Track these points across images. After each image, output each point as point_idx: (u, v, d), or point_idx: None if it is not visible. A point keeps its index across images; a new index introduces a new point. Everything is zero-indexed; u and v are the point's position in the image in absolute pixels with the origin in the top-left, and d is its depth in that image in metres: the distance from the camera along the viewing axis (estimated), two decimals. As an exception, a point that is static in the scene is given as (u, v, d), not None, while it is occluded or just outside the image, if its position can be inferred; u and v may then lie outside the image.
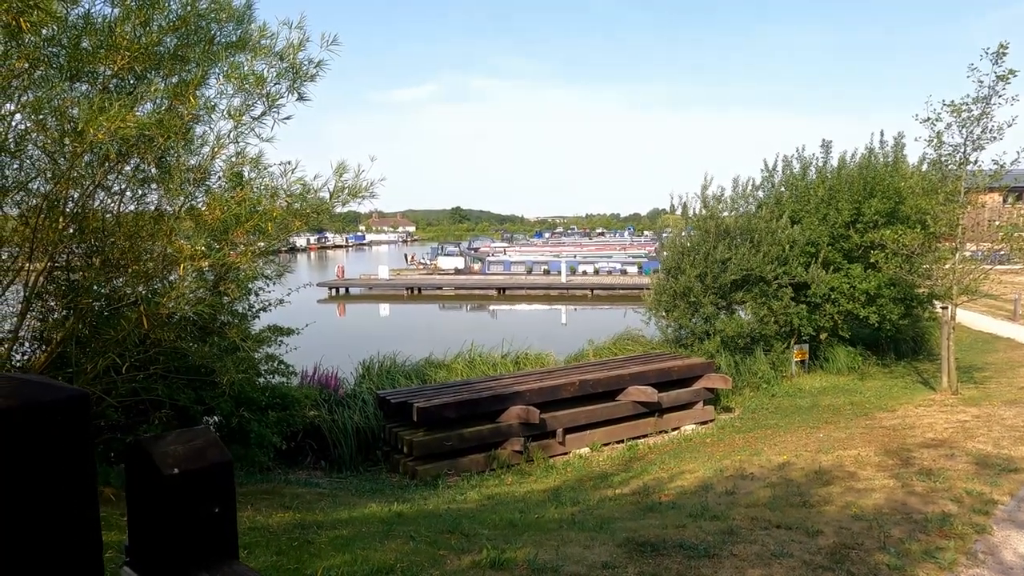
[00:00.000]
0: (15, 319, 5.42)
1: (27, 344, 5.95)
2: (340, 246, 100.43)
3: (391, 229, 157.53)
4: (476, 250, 66.27)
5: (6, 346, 5.41)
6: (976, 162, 11.03)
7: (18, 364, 5.68)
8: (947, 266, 11.60)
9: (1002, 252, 12.65)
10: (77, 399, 0.78)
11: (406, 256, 64.88)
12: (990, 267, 11.59)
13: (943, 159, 11.23)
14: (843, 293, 14.34)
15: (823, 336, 15.20)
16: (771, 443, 9.14)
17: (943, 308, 11.84)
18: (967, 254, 12.06)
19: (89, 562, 0.78)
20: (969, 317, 20.50)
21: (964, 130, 10.74)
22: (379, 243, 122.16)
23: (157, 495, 0.87)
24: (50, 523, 0.74)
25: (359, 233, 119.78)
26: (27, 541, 0.73)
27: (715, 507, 5.91)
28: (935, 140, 10.98)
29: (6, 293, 5.24)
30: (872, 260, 12.87)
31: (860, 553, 4.59)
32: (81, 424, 0.78)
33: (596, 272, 48.07)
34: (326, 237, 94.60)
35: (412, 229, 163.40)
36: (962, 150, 10.92)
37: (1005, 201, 16.09)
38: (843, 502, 5.85)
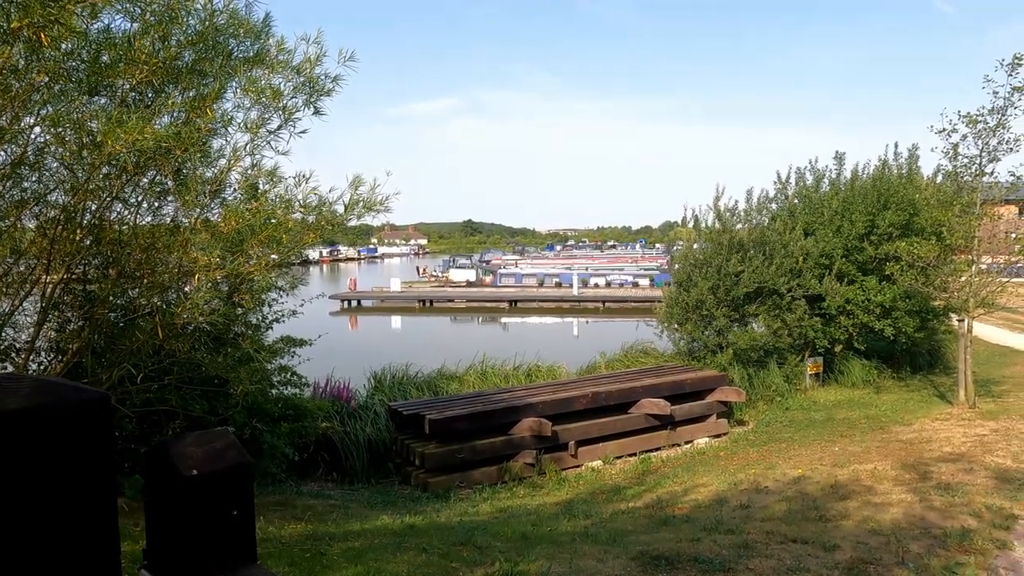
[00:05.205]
0: (32, 329, 5.47)
1: (43, 354, 6.00)
2: (352, 259, 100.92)
3: (403, 242, 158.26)
4: (488, 263, 66.50)
5: (23, 356, 5.45)
6: (992, 174, 10.95)
7: (33, 374, 5.72)
8: (963, 279, 11.49)
9: (1019, 265, 12.51)
10: (100, 400, 0.78)
11: (418, 268, 65.13)
12: (1007, 280, 11.47)
13: (959, 171, 11.16)
14: (858, 305, 14.22)
15: (838, 349, 15.06)
16: (786, 457, 9.05)
17: (959, 321, 11.72)
18: (983, 267, 11.95)
19: (108, 558, 0.77)
20: (986, 330, 20.26)
21: (980, 141, 10.68)
22: (391, 255, 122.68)
23: (175, 497, 0.87)
24: (72, 520, 0.75)
25: (371, 246, 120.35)
26: (50, 537, 0.74)
27: (730, 521, 5.85)
28: (951, 151, 10.92)
29: (23, 304, 5.29)
30: (887, 272, 12.77)
31: (879, 568, 4.53)
32: (103, 424, 0.78)
33: (608, 285, 48.03)
34: (338, 249, 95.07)
35: (424, 242, 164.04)
36: (978, 161, 10.85)
37: (1021, 213, 15.96)
38: (860, 516, 5.77)
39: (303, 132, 5.34)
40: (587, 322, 35.81)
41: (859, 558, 4.68)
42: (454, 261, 63.87)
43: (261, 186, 5.52)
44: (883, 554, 4.78)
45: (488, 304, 42.69)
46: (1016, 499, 6.01)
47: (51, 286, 5.13)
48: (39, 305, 5.30)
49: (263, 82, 5.15)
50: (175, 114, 4.99)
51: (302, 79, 5.26)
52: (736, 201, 15.72)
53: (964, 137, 10.73)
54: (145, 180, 5.30)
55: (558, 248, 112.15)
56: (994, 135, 10.55)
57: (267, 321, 8.35)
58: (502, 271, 55.35)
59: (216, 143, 5.39)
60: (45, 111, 4.57)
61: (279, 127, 5.28)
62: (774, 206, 16.27)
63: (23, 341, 5.72)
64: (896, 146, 15.76)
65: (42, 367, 5.88)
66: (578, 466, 10.63)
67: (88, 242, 5.16)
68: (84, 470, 0.76)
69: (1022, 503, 5.91)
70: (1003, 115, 10.38)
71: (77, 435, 0.75)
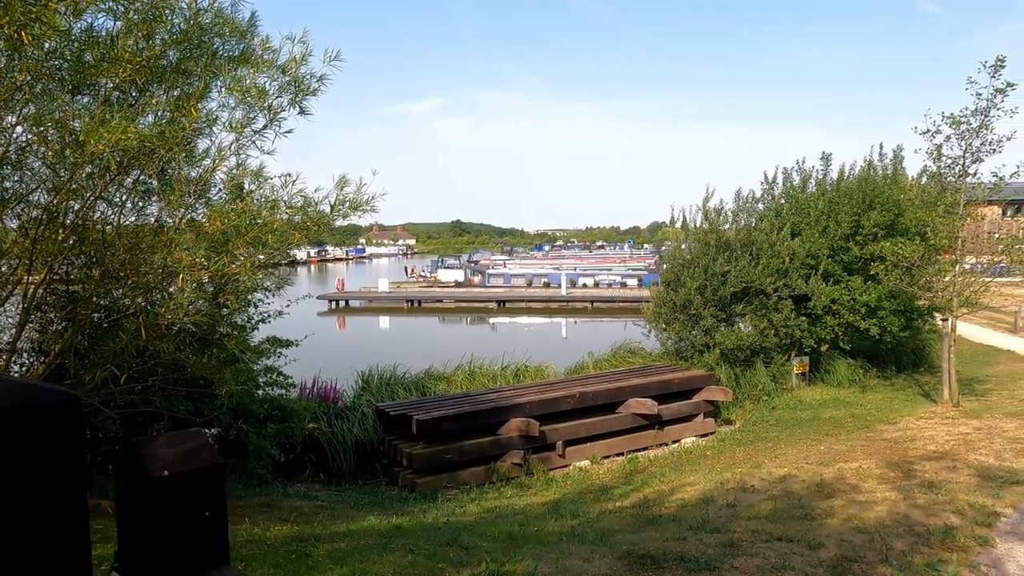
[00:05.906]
0: (13, 330, 5.41)
1: (25, 356, 5.94)
2: (340, 259, 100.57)
3: (391, 242, 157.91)
4: (476, 263, 66.40)
5: (4, 357, 5.40)
6: (975, 174, 11.05)
7: (16, 375, 5.66)
8: (947, 278, 11.59)
9: (1002, 264, 12.64)
10: (67, 401, 0.77)
11: (406, 269, 64.95)
12: (990, 279, 11.59)
13: (942, 171, 11.26)
14: (844, 305, 14.32)
15: (824, 348, 15.16)
16: (772, 456, 9.10)
17: (943, 320, 11.82)
18: (967, 266, 12.06)
19: (79, 559, 0.77)
20: (969, 329, 20.46)
21: (963, 142, 10.77)
22: (379, 256, 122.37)
23: (147, 498, 0.86)
24: (41, 525, 0.74)
25: (359, 246, 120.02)
26: (17, 543, 0.73)
27: (716, 520, 5.87)
28: (935, 152, 11.01)
29: (5, 305, 5.23)
30: (872, 272, 12.86)
31: (862, 566, 4.56)
32: (72, 426, 0.77)
33: (596, 285, 48.09)
34: (326, 250, 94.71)
35: (412, 242, 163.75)
36: (961, 162, 10.95)
37: (1004, 214, 16.12)
38: (845, 515, 5.81)
39: (288, 132, 5.33)
40: (575, 322, 35.85)
41: (843, 556, 4.72)
42: (442, 261, 63.73)
43: (247, 186, 5.50)
44: (867, 552, 4.81)
45: (476, 304, 42.63)
46: (998, 497, 6.07)
47: (33, 287, 5.08)
48: (21, 306, 5.25)
49: (248, 81, 5.12)
50: (159, 113, 4.96)
51: (287, 78, 5.24)
52: (723, 201, 15.81)
53: (948, 138, 10.83)
54: (129, 180, 5.26)
55: (546, 248, 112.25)
56: (977, 136, 10.65)
57: (253, 322, 8.31)
58: (490, 271, 55.30)
59: (201, 143, 5.37)
60: (27, 110, 4.52)
61: (264, 127, 5.26)
62: (761, 206, 16.35)
63: (4, 342, 5.67)
64: (881, 147, 15.89)
65: (24, 368, 5.83)
66: (566, 466, 10.64)
67: (71, 242, 5.11)
68: (53, 472, 0.75)
69: (1004, 500, 5.97)
70: (986, 116, 10.48)
71: (45, 436, 0.75)
